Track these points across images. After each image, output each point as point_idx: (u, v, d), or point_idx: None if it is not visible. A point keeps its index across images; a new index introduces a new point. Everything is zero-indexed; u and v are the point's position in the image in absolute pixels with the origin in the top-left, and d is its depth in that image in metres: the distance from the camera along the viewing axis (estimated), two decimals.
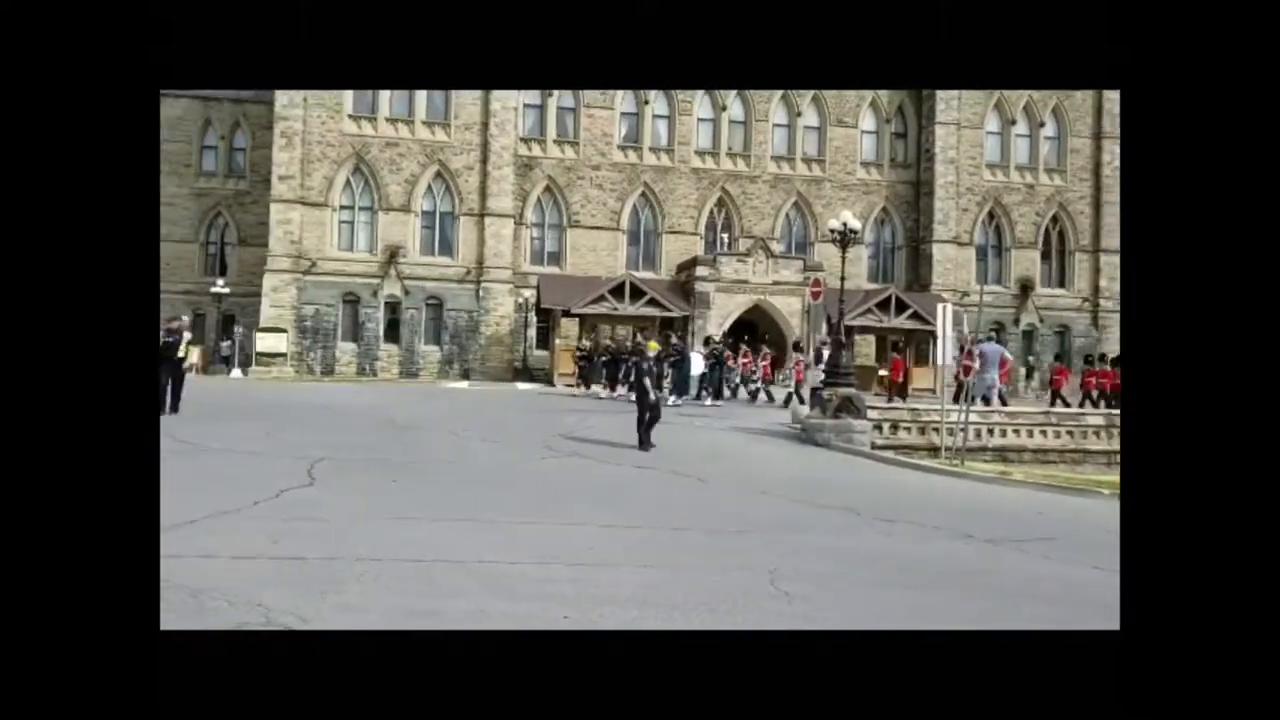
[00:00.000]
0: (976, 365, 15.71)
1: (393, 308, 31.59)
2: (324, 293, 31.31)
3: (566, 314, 29.96)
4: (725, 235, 34.54)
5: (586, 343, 26.85)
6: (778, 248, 33.09)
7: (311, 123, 31.29)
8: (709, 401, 21.08)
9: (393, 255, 31.73)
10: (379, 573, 5.80)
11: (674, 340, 22.58)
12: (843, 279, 22.00)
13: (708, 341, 23.96)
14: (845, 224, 21.75)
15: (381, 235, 32.03)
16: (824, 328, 24.03)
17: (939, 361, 17.20)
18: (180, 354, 15.00)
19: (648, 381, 12.89)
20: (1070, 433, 17.19)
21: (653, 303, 29.61)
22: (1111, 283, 36.14)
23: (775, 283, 31.12)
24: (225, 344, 31.96)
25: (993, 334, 27.25)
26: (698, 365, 21.84)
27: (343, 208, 32.03)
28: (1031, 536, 8.57)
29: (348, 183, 32.01)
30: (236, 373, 29.88)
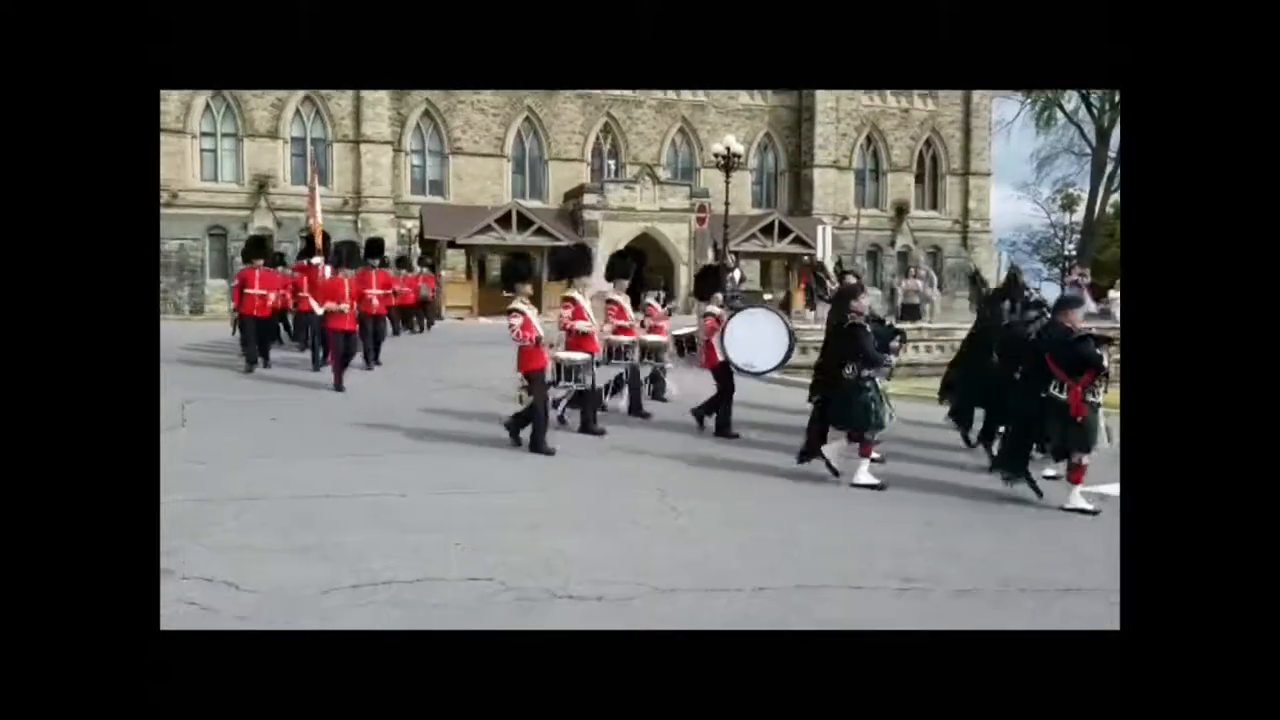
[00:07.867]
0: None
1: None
2: (188, 227, 29.38)
3: (452, 245, 29.21)
4: (612, 162, 34.17)
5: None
6: (664, 175, 33.02)
7: None
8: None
9: (262, 186, 30.00)
10: (256, 511, 5.67)
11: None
12: (726, 204, 22.27)
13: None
14: (729, 148, 21.91)
15: (249, 164, 30.20)
16: (710, 254, 24.32)
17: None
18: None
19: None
20: (940, 347, 18.16)
21: (541, 232, 29.18)
22: (980, 204, 37.81)
23: (662, 210, 31.12)
24: None
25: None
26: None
27: (204, 134, 29.95)
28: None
29: (207, 107, 29.88)
30: None
